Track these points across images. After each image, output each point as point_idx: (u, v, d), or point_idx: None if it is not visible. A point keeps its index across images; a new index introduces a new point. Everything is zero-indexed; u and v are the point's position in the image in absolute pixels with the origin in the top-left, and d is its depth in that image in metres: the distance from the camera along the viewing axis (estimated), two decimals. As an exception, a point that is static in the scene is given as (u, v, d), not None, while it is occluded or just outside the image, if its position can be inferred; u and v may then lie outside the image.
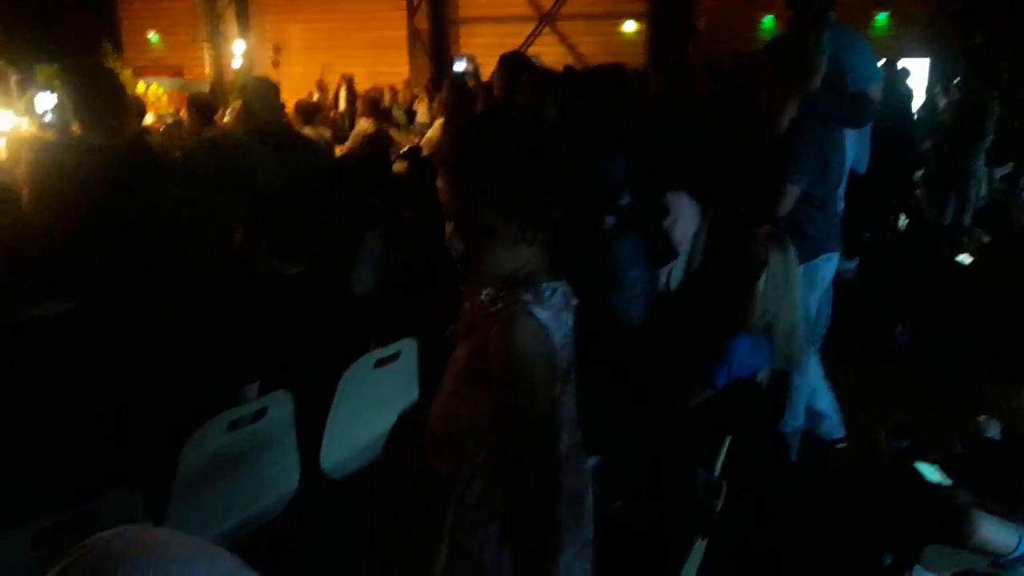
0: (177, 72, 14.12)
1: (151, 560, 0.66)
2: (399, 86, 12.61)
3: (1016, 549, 1.95)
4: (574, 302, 1.40)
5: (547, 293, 1.32)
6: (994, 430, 2.60)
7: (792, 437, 3.21)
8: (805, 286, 3.05)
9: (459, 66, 5.27)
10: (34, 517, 1.63)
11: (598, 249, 2.77)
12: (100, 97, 2.83)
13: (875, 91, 3.49)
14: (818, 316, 3.23)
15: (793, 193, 2.95)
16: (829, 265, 3.15)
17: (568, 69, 3.78)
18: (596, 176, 2.82)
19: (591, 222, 2.81)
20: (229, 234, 2.91)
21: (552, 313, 1.32)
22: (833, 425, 3.38)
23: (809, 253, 3.03)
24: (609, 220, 2.85)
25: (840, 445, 3.39)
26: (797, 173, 2.93)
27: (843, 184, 3.32)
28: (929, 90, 9.68)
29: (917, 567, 2.34)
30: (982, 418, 2.79)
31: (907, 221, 6.67)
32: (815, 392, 3.33)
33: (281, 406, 2.27)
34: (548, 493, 1.33)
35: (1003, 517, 2.00)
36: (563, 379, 1.37)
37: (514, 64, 3.88)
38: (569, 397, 1.43)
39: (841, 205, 3.21)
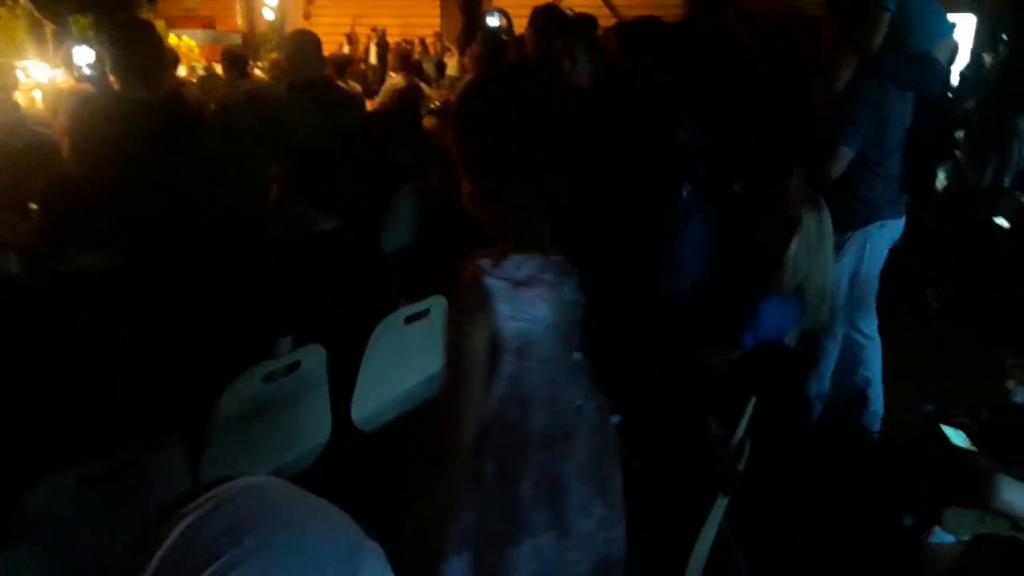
0: (209, 24, 14.10)
1: (284, 524, 0.65)
2: (430, 39, 12.51)
3: (1039, 514, 1.96)
4: (552, 278, 1.35)
5: (512, 264, 1.30)
6: (1022, 396, 2.59)
7: (816, 401, 3.20)
8: (855, 253, 3.00)
9: (492, 21, 5.20)
10: (79, 461, 1.69)
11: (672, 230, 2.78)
12: (137, 52, 2.84)
13: (942, 50, 3.26)
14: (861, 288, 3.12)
15: (846, 155, 2.87)
16: (883, 232, 3.04)
17: (586, 19, 3.64)
18: (670, 149, 2.80)
19: (666, 198, 2.80)
20: (266, 188, 2.95)
21: (507, 285, 1.29)
22: (875, 418, 3.28)
23: (862, 219, 2.96)
24: (685, 188, 2.84)
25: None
26: (851, 135, 2.86)
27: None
28: (975, 48, 9.38)
29: (937, 529, 2.36)
30: (1010, 384, 2.78)
31: (946, 183, 6.53)
32: (871, 381, 3.24)
33: (314, 359, 2.32)
34: (448, 450, 1.35)
35: (1027, 482, 2.01)
36: (518, 355, 1.33)
37: (547, 18, 3.82)
38: (537, 375, 1.37)
39: (899, 169, 3.04)
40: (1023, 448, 2.16)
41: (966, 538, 2.18)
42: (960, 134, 6.50)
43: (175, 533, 0.63)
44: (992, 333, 3.42)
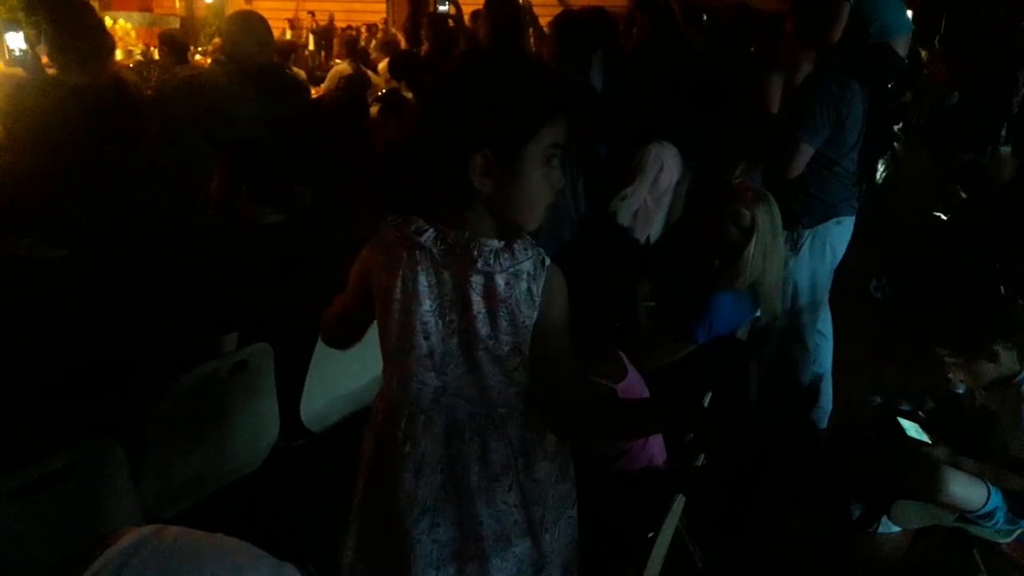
0: (146, 6, 13.66)
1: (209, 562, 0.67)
2: (378, 24, 12.34)
3: (984, 505, 2.01)
4: (440, 254, 1.28)
5: (414, 224, 1.31)
6: (964, 388, 2.66)
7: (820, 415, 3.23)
8: (813, 252, 2.97)
9: (442, 7, 5.15)
10: (13, 470, 1.61)
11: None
12: (77, 34, 2.71)
13: (901, 43, 3.25)
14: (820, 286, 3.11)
15: (807, 153, 2.81)
16: (840, 230, 3.00)
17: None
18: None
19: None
20: (207, 180, 2.85)
21: (397, 237, 1.32)
22: (824, 414, 3.30)
23: (818, 217, 2.93)
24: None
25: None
26: (811, 132, 2.79)
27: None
28: (912, 41, 9.60)
29: (884, 519, 2.41)
30: (952, 374, 2.85)
31: (884, 174, 6.69)
32: (822, 377, 3.24)
33: (261, 358, 2.25)
34: None
35: (975, 473, 2.06)
36: (383, 306, 1.36)
37: (500, 6, 3.77)
38: (401, 340, 1.36)
39: (854, 167, 3.01)
40: (969, 439, 2.22)
41: (913, 528, 2.22)
42: (898, 127, 6.67)
43: None
44: (927, 328, 3.50)
